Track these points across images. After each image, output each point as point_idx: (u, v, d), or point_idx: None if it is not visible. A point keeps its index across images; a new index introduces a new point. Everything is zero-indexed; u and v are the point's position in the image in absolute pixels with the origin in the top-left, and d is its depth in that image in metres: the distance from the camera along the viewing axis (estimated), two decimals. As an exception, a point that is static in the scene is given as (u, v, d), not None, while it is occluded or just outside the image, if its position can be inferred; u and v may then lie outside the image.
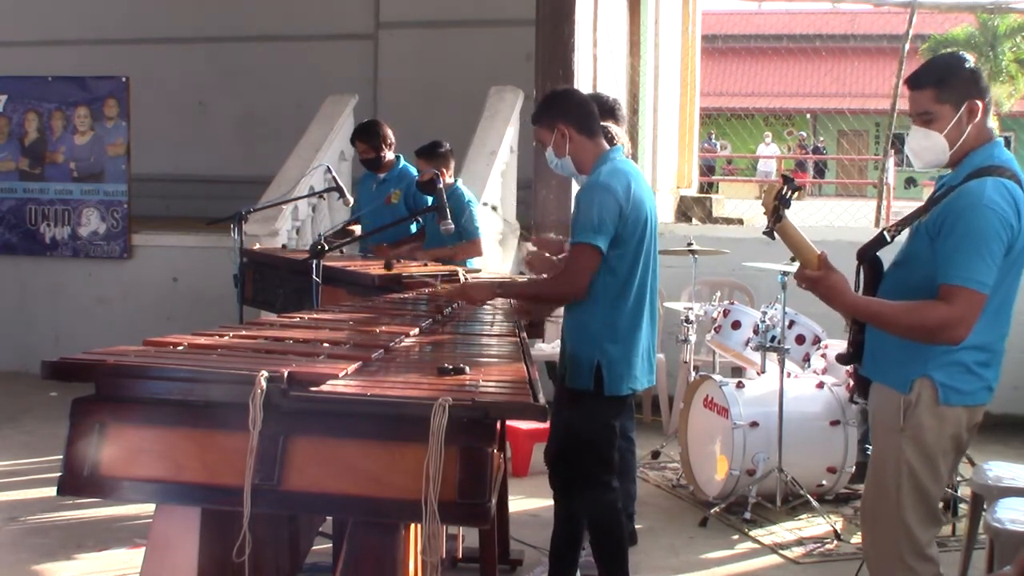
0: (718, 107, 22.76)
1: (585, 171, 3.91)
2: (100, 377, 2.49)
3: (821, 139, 28.84)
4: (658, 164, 9.99)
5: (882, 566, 3.12)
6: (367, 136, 6.49)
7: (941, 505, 5.17)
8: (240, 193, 8.55)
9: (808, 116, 30.48)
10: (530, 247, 4.59)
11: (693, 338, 6.33)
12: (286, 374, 2.40)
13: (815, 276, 2.99)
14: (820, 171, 25.03)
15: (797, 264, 3.15)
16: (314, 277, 4.54)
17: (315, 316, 3.67)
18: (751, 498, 5.32)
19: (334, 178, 5.68)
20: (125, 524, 5.00)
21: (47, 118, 8.65)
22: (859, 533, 5.13)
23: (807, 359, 5.71)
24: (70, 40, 11.58)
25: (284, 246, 7.19)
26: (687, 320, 6.29)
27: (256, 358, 2.70)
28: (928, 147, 3.06)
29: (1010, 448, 6.63)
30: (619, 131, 4.52)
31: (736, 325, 5.87)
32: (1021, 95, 28.79)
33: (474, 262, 6.09)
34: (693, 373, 6.21)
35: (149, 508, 2.55)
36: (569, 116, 3.91)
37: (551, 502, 4.13)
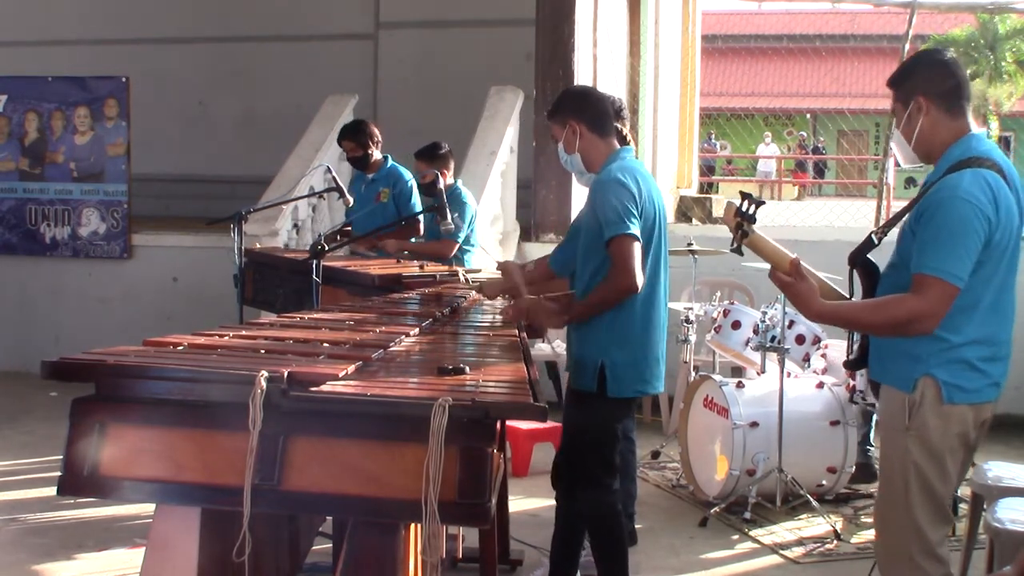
0: (718, 107, 22.77)
1: (594, 169, 3.92)
2: (100, 377, 2.49)
3: (821, 139, 28.85)
4: (658, 164, 9.98)
5: (892, 566, 3.11)
6: (354, 135, 6.51)
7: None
8: (240, 193, 8.56)
9: (808, 116, 30.49)
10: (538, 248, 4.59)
11: (693, 338, 6.33)
12: (286, 374, 2.40)
13: (786, 281, 3.03)
14: (820, 171, 25.05)
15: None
16: (314, 277, 4.54)
17: (315, 316, 3.67)
18: (751, 498, 5.32)
19: (334, 178, 5.68)
20: (125, 524, 5.00)
21: (47, 118, 8.66)
22: (859, 533, 5.15)
23: (807, 359, 5.71)
24: (70, 40, 11.58)
25: (286, 246, 7.20)
26: (687, 320, 6.29)
27: (256, 358, 2.70)
28: (896, 144, 3.16)
29: (1010, 448, 6.63)
30: (628, 133, 4.52)
31: (736, 325, 5.87)
32: (1021, 95, 28.79)
33: (479, 259, 6.08)
34: (693, 373, 6.21)
35: (149, 508, 2.55)
36: (582, 113, 3.92)
37: (551, 502, 4.13)
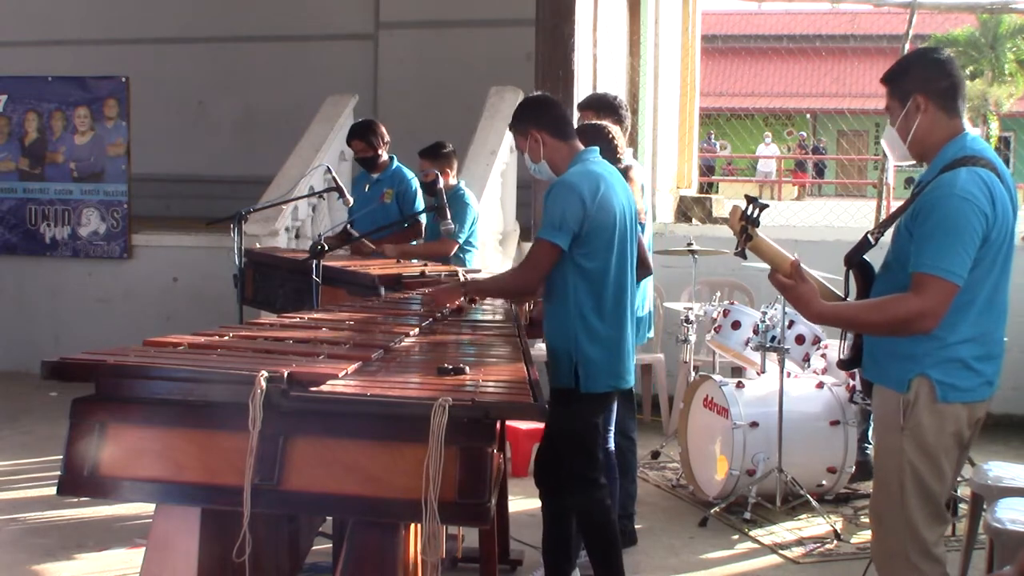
0: (718, 107, 22.77)
1: (561, 173, 3.96)
2: (100, 377, 2.49)
3: (821, 139, 28.84)
4: (658, 164, 9.97)
5: (889, 566, 3.11)
6: (364, 135, 6.50)
7: (942, 505, 5.17)
8: (240, 193, 8.56)
9: (808, 116, 30.48)
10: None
11: (693, 338, 6.33)
12: (286, 374, 2.40)
13: (786, 283, 3.03)
14: (820, 171, 25.04)
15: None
16: (314, 277, 4.54)
17: (315, 316, 3.67)
18: (751, 498, 5.32)
19: (334, 178, 5.68)
20: (125, 524, 5.00)
21: (47, 118, 8.65)
22: (859, 533, 5.15)
23: (807, 359, 5.71)
24: (70, 40, 11.59)
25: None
26: (687, 320, 6.29)
27: (256, 358, 2.70)
28: (889, 141, 3.15)
29: (1010, 448, 6.62)
30: (616, 130, 4.51)
31: (736, 325, 5.87)
32: (1021, 95, 28.78)
33: (481, 260, 6.08)
34: (693, 373, 6.21)
35: (149, 508, 2.55)
36: (541, 122, 3.98)
37: (550, 502, 4.13)
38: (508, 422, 5.09)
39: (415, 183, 6.37)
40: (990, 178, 2.93)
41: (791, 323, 5.56)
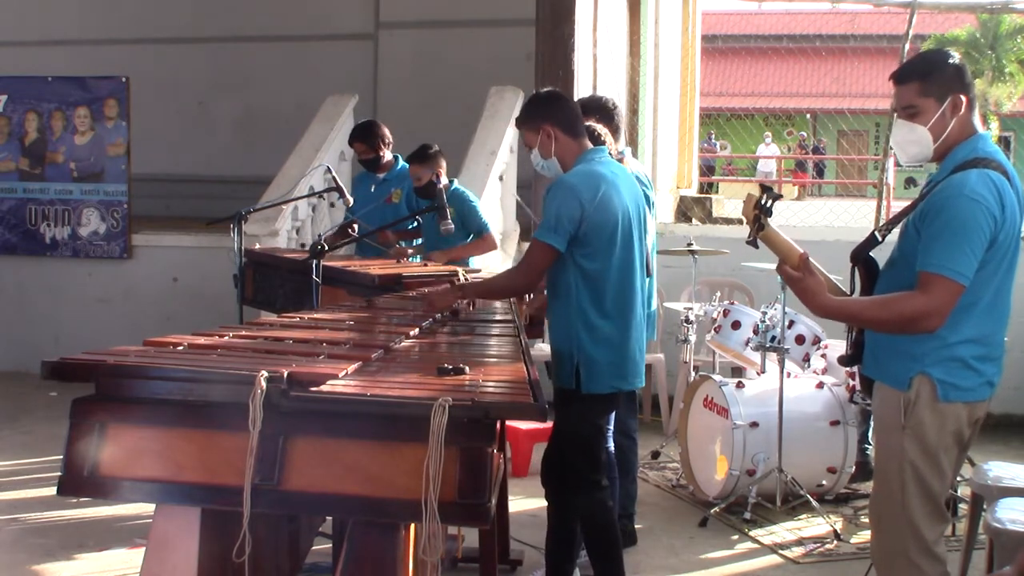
0: (718, 107, 22.77)
1: (568, 171, 3.93)
2: (100, 377, 2.49)
3: (821, 139, 28.83)
4: (658, 164, 9.98)
5: (889, 565, 3.12)
6: (366, 136, 6.50)
7: (942, 504, 5.17)
8: (240, 193, 8.55)
9: (808, 116, 30.48)
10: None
11: (693, 338, 6.33)
12: (286, 374, 2.40)
13: (794, 275, 3.02)
14: (820, 171, 25.03)
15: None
16: (314, 277, 4.54)
17: (315, 316, 3.67)
18: (751, 498, 5.32)
19: (334, 178, 5.68)
20: (125, 524, 5.00)
21: (47, 118, 8.65)
22: (859, 533, 5.14)
23: (807, 359, 5.71)
24: (70, 40, 11.59)
25: (302, 245, 7.19)
26: (687, 320, 6.29)
27: (256, 358, 2.69)
28: (913, 140, 3.09)
29: (1010, 448, 6.62)
30: (604, 131, 4.47)
31: (736, 325, 5.87)
32: (1021, 95, 28.79)
33: (482, 258, 6.08)
34: (693, 373, 6.21)
35: (149, 508, 2.55)
36: (555, 117, 3.94)
37: (551, 502, 4.13)
38: (508, 422, 5.09)
39: None
40: (1000, 181, 2.94)
41: (791, 323, 5.56)
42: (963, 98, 3.02)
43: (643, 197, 4.13)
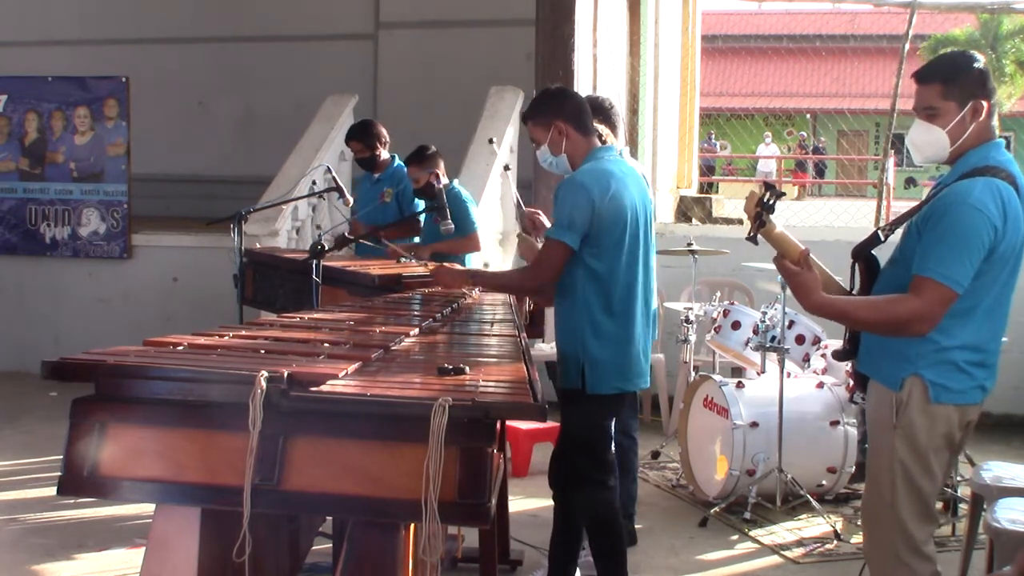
0: (718, 107, 22.76)
1: (577, 169, 3.92)
2: (100, 377, 2.49)
3: (821, 139, 28.84)
4: (658, 164, 9.97)
5: (879, 564, 3.14)
6: (362, 136, 6.50)
7: (940, 505, 5.18)
8: (240, 193, 8.56)
9: (808, 116, 30.47)
10: (521, 233, 4.69)
11: (693, 338, 6.33)
12: (286, 374, 2.40)
13: (792, 269, 3.02)
14: (820, 171, 25.03)
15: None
16: (314, 277, 4.54)
17: (315, 316, 3.66)
18: (751, 498, 5.32)
19: (334, 178, 5.68)
20: (125, 524, 5.01)
21: (47, 118, 8.66)
22: (859, 533, 5.14)
23: (807, 359, 5.71)
24: (70, 40, 11.59)
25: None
26: (687, 320, 6.29)
27: (256, 358, 2.69)
28: (930, 141, 3.08)
29: (1010, 448, 6.63)
30: (604, 131, 4.47)
31: (736, 325, 5.87)
32: (1021, 95, 28.79)
33: (472, 258, 6.09)
34: (693, 373, 6.21)
35: (149, 508, 2.55)
36: (566, 113, 3.91)
37: (551, 502, 4.13)
38: (508, 422, 5.09)
39: None
40: (1007, 191, 2.94)
41: (791, 323, 5.56)
42: (984, 104, 3.01)
43: (648, 197, 4.12)
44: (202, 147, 11.40)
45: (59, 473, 2.45)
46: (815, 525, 5.28)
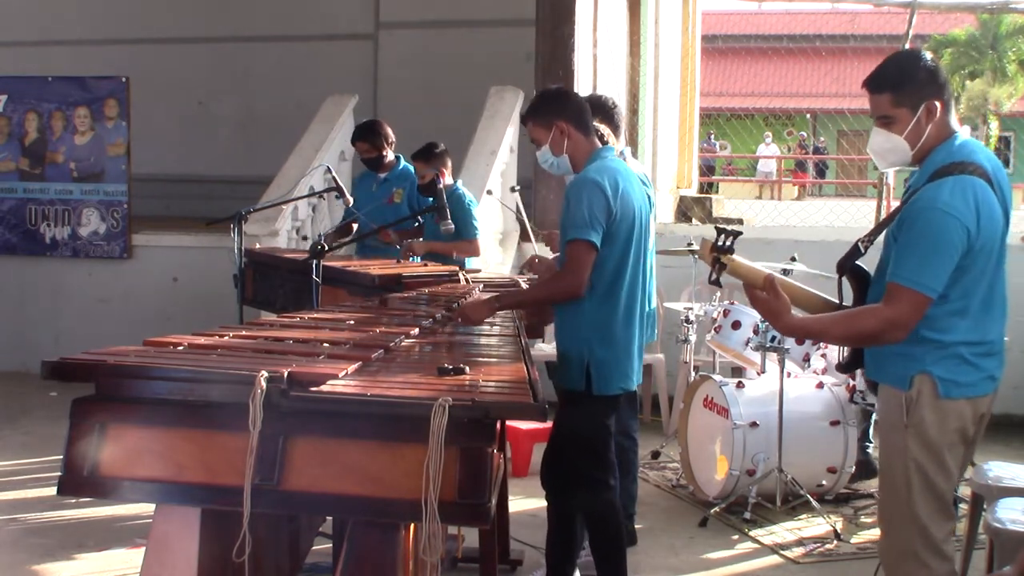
0: (718, 107, 22.77)
1: (579, 169, 3.91)
2: (100, 377, 2.49)
3: (821, 139, 28.84)
4: (658, 164, 9.99)
5: (898, 564, 3.11)
6: (369, 136, 6.50)
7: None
8: (240, 193, 8.56)
9: (808, 116, 30.47)
10: (533, 248, 4.66)
11: (693, 338, 6.33)
12: (286, 374, 2.40)
13: (759, 297, 3.06)
14: (820, 171, 25.04)
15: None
16: (314, 277, 4.54)
17: (315, 316, 3.66)
18: (751, 498, 5.32)
19: (334, 178, 5.68)
20: (125, 524, 5.00)
21: (47, 118, 8.65)
22: (859, 533, 5.15)
23: (807, 359, 5.71)
24: (70, 40, 11.59)
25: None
26: (687, 320, 6.29)
27: (256, 358, 2.69)
28: (890, 149, 3.08)
29: (1010, 448, 6.63)
30: (606, 130, 4.47)
31: (736, 325, 5.87)
32: (1021, 95, 28.79)
33: (472, 261, 6.09)
34: (693, 373, 6.21)
35: (149, 508, 2.55)
36: (568, 113, 3.90)
37: (551, 502, 4.13)
38: (508, 422, 5.09)
39: None
40: (979, 186, 2.92)
41: (791, 323, 5.56)
42: (937, 103, 2.99)
43: (647, 198, 4.12)
44: (202, 147, 11.40)
45: (59, 473, 2.45)
46: (815, 525, 5.28)
